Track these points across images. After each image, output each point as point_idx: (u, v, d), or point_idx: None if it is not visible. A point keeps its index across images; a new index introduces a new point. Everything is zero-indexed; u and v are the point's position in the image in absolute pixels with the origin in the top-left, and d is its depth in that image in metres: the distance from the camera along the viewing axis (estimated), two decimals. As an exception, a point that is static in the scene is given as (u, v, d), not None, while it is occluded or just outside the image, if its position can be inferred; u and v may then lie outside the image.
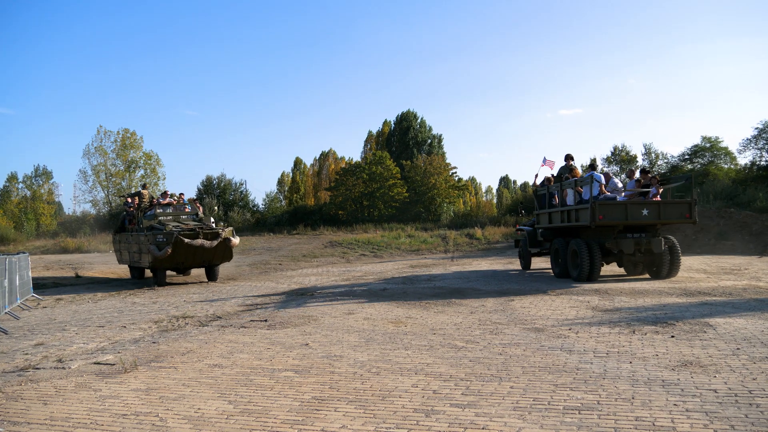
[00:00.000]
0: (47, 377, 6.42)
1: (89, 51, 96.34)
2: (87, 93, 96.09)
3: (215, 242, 16.26)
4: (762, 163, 29.42)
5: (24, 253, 14.57)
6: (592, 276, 12.90)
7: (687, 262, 17.12)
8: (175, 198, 19.54)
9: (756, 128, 29.96)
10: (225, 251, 16.97)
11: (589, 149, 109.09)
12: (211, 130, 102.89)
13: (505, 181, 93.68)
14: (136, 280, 18.81)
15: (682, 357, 6.02)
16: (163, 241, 15.73)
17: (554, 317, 8.71)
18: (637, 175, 14.06)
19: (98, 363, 7.01)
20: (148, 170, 54.08)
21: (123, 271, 21.72)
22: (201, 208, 19.20)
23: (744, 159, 31.70)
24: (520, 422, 4.32)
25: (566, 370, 5.69)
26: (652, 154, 36.35)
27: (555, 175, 15.56)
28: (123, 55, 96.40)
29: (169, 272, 18.66)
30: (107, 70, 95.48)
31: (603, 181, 12.99)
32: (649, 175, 13.62)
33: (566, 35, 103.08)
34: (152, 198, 19.59)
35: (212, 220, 17.82)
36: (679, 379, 5.21)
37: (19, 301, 12.41)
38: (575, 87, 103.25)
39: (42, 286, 17.05)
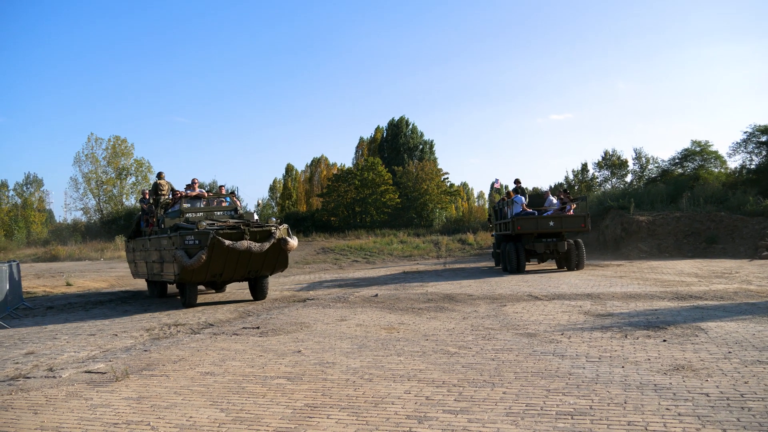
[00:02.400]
0: (38, 386, 6.37)
1: (79, 58, 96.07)
2: (77, 100, 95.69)
3: (267, 244, 12.08)
4: (752, 166, 29.62)
5: (14, 261, 14.48)
6: (519, 269, 17.10)
7: (678, 266, 17.22)
8: (205, 189, 15.00)
9: (745, 132, 30.16)
10: (279, 257, 12.80)
11: (581, 154, 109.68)
12: (202, 137, 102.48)
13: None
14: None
15: (674, 361, 6.04)
16: (194, 245, 11.68)
17: (546, 322, 8.72)
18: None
19: (89, 372, 6.96)
20: (140, 177, 53.92)
21: (116, 280, 21.56)
22: (240, 203, 15.12)
23: (734, 163, 31.91)
24: (512, 428, 4.32)
25: (559, 375, 5.69)
26: (643, 159, 36.53)
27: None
28: (113, 62, 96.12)
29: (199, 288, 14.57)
30: (98, 77, 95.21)
31: (524, 201, 17.42)
32: (567, 195, 18.56)
33: (556, 40, 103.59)
34: (174, 190, 15.21)
35: (256, 217, 13.85)
36: (671, 384, 5.23)
37: (9, 310, 12.32)
38: (566, 91, 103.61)
39: (33, 294, 16.93)
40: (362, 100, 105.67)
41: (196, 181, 15.24)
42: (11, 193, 58.59)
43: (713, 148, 32.23)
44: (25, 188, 59.41)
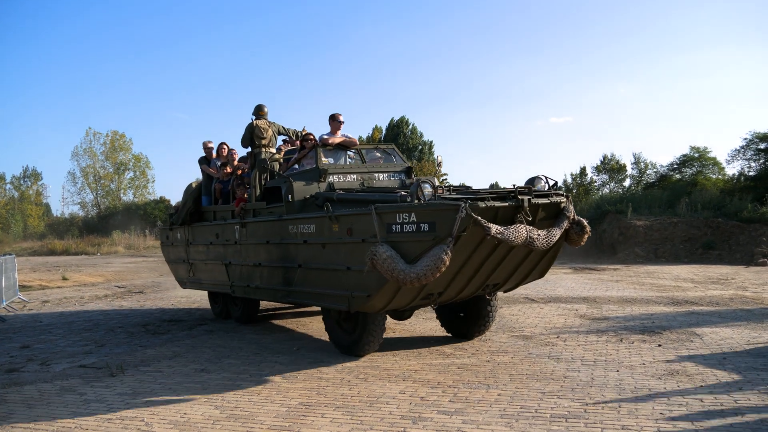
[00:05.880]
0: (32, 380, 6.36)
1: (78, 52, 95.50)
2: (76, 94, 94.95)
3: (557, 233, 6.10)
4: (750, 173, 29.65)
5: (10, 254, 14.45)
6: None
7: (674, 271, 17.25)
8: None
9: (744, 139, 30.18)
10: (545, 255, 6.76)
11: (579, 157, 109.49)
12: (201, 133, 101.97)
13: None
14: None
15: (668, 366, 6.06)
16: (417, 233, 5.66)
17: (542, 325, 8.72)
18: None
19: (84, 366, 6.96)
20: (138, 172, 53.88)
21: (113, 275, 21.44)
22: None
23: (732, 169, 31.90)
24: (507, 430, 4.32)
25: (554, 378, 5.70)
26: (641, 163, 36.58)
27: None
28: (113, 56, 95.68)
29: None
30: (97, 71, 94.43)
31: None
32: None
33: (557, 43, 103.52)
34: (284, 132, 9.40)
35: (437, 182, 7.30)
36: (665, 388, 5.24)
37: (4, 303, 12.30)
38: (566, 95, 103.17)
39: (29, 288, 16.89)
40: (361, 99, 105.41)
41: (340, 117, 8.24)
42: (8, 186, 58.51)
43: (711, 155, 32.29)
44: (22, 181, 59.31)
